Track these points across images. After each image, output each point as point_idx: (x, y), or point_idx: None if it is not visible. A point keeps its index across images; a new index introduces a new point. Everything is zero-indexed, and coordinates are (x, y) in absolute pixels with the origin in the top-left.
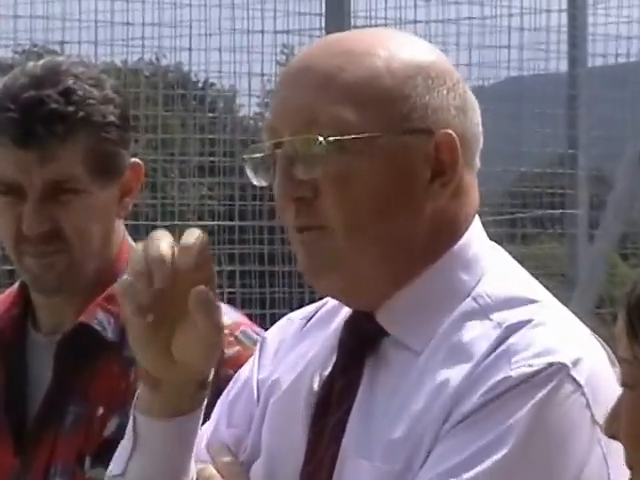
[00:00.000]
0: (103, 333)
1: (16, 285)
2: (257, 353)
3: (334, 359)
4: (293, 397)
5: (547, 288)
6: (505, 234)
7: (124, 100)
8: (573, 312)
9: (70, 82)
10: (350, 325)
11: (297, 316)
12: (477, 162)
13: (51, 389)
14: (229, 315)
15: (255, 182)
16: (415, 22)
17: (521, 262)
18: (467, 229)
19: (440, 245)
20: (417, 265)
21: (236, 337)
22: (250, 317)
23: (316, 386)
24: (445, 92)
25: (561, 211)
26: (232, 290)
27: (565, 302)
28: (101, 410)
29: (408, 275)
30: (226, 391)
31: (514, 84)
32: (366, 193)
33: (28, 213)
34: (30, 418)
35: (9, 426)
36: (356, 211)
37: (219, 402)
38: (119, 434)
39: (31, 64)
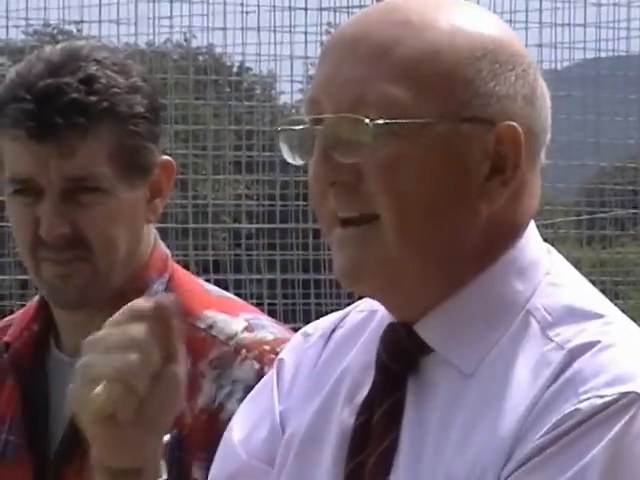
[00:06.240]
0: None
1: (35, 300)
2: (275, 378)
3: (368, 383)
4: (316, 436)
5: (628, 297)
6: (582, 236)
7: (153, 89)
8: None
9: (92, 69)
10: (387, 341)
11: (316, 332)
12: (542, 158)
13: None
14: (270, 329)
15: (289, 159)
16: None
17: (600, 268)
18: (524, 232)
19: (494, 251)
20: (467, 272)
21: (278, 354)
22: (295, 331)
23: (347, 418)
24: (513, 79)
25: None
26: (273, 301)
27: None
28: None
29: (456, 283)
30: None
31: (591, 67)
32: (416, 184)
33: (46, 214)
34: (53, 448)
35: (30, 462)
36: (405, 202)
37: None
38: None
39: (48, 49)
